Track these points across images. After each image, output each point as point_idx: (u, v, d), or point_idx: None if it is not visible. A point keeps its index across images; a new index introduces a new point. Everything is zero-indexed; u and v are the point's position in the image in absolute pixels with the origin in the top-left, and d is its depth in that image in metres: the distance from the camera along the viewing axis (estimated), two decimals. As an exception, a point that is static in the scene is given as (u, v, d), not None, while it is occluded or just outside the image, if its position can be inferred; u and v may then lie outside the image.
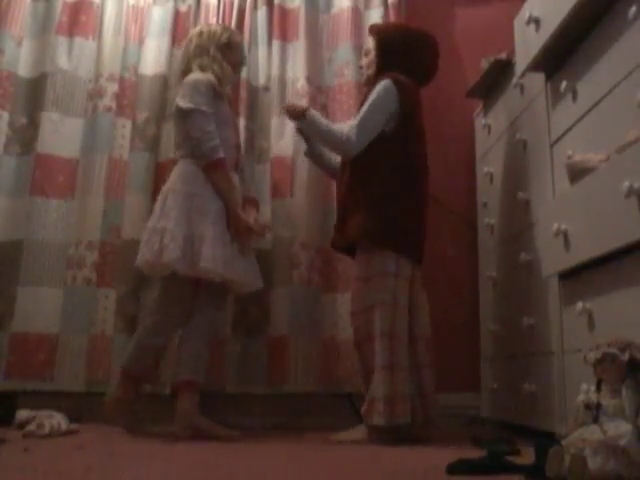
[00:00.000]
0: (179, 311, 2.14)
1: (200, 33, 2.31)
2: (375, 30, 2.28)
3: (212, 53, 2.25)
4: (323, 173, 2.49)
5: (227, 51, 2.29)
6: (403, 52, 2.19)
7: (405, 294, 2.04)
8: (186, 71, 2.26)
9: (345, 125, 2.12)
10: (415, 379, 2.02)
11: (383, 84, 2.10)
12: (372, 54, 2.24)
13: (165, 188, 2.16)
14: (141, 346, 2.13)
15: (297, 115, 2.17)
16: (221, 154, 2.11)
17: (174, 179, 2.14)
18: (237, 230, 2.14)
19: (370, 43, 2.26)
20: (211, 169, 2.11)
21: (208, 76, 2.18)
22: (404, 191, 2.09)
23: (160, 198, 2.15)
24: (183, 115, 2.12)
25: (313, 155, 2.39)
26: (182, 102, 2.12)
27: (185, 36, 2.76)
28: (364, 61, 2.29)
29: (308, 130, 2.19)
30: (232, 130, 2.27)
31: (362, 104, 2.17)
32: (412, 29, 2.30)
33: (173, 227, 2.03)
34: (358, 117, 2.10)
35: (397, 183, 2.09)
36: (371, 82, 2.21)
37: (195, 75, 2.18)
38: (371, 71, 2.24)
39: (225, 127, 2.20)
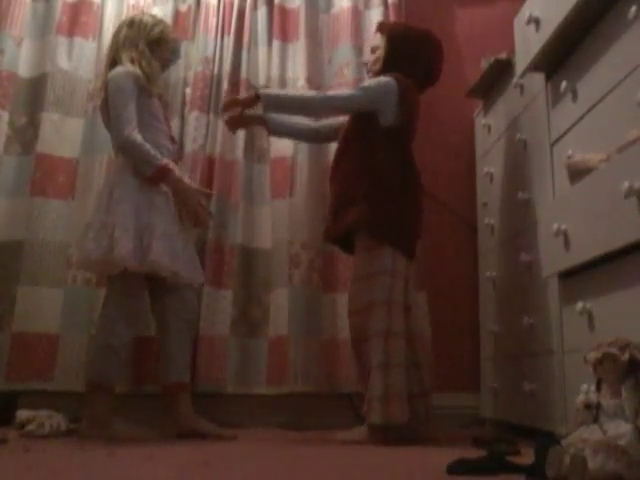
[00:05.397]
0: (134, 308, 2.07)
1: (131, 23, 2.23)
2: (387, 28, 2.27)
3: (141, 48, 2.18)
4: (295, 141, 2.54)
5: (156, 47, 2.22)
6: (412, 54, 2.19)
7: (401, 292, 2.04)
8: (114, 61, 2.19)
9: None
10: (416, 378, 2.02)
11: (386, 79, 2.12)
12: (380, 51, 2.23)
13: (108, 183, 2.12)
14: (103, 352, 2.01)
15: (249, 101, 2.16)
16: (162, 161, 2.08)
17: (118, 173, 2.10)
18: (190, 204, 2.14)
19: (379, 40, 2.25)
20: (160, 180, 2.09)
21: (135, 71, 2.12)
22: (404, 187, 2.10)
23: (103, 193, 2.09)
24: (121, 143, 2.07)
25: (276, 130, 2.37)
26: (119, 129, 2.06)
27: (185, 36, 2.78)
28: (370, 57, 2.28)
29: (275, 105, 2.13)
30: (164, 125, 2.24)
31: None
32: (422, 32, 2.27)
33: (123, 220, 1.99)
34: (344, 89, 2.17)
35: (397, 178, 2.09)
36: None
37: (121, 69, 2.12)
38: (377, 67, 2.23)
39: (157, 123, 2.18)
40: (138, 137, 2.06)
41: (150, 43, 2.21)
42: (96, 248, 1.98)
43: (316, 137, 2.42)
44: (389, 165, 2.09)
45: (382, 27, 2.29)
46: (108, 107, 2.12)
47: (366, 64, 2.32)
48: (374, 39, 2.31)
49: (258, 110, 2.21)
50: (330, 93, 2.12)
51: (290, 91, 2.13)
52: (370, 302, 2.01)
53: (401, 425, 1.93)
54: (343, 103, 2.12)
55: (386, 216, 2.05)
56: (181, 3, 2.82)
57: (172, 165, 2.14)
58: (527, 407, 1.99)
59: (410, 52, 2.19)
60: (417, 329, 2.10)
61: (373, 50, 2.28)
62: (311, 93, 2.14)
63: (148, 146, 2.07)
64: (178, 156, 2.26)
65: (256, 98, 2.13)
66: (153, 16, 2.34)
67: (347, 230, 2.10)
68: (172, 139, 2.29)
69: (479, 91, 2.60)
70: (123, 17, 2.73)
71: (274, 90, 2.13)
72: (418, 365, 2.03)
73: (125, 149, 2.07)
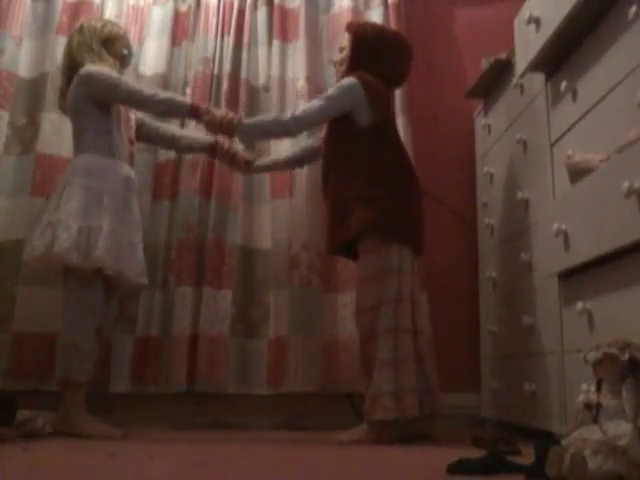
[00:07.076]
0: (91, 300, 2.07)
1: (80, 29, 2.28)
2: (352, 27, 2.27)
3: (96, 49, 2.23)
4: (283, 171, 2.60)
5: (109, 45, 2.27)
6: (375, 53, 2.19)
7: (408, 288, 2.05)
8: (72, 66, 2.23)
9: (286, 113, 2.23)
10: (420, 373, 2.02)
11: (348, 81, 2.12)
12: (345, 51, 2.23)
13: (61, 182, 2.15)
14: (67, 348, 2.04)
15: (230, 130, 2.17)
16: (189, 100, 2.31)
17: (70, 173, 2.13)
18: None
19: (345, 40, 2.26)
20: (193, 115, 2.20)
21: (104, 67, 2.18)
22: (400, 182, 2.11)
23: (56, 192, 2.13)
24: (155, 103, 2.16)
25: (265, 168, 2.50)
26: (142, 98, 2.15)
27: (185, 36, 2.78)
28: (338, 57, 2.29)
29: (252, 134, 2.21)
30: (125, 125, 2.26)
31: None
32: (388, 31, 2.32)
33: (67, 218, 2.02)
34: (310, 103, 2.19)
35: (391, 175, 2.10)
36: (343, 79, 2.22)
37: (91, 65, 2.18)
38: (343, 68, 2.24)
39: (117, 126, 2.21)
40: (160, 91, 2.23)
41: (103, 42, 2.26)
42: (40, 245, 2.03)
43: (301, 160, 2.49)
44: (380, 164, 2.09)
45: (349, 27, 2.30)
46: (76, 112, 2.19)
47: (335, 63, 2.33)
48: (342, 39, 2.31)
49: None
50: (297, 113, 2.12)
51: (258, 119, 2.23)
52: (379, 300, 2.01)
53: (407, 421, 1.93)
54: (313, 117, 2.14)
55: (391, 215, 2.05)
56: (181, 3, 2.82)
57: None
58: (527, 407, 1.99)
59: (373, 51, 2.19)
60: (421, 326, 2.10)
61: (340, 50, 2.29)
62: (280, 116, 2.19)
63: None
64: (132, 161, 2.28)
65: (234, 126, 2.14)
66: (99, 18, 2.43)
67: (355, 236, 2.09)
68: (131, 141, 2.30)
69: (479, 91, 2.60)
70: (123, 17, 2.75)
71: (248, 120, 2.21)
72: (422, 361, 2.04)
73: (162, 109, 2.19)
